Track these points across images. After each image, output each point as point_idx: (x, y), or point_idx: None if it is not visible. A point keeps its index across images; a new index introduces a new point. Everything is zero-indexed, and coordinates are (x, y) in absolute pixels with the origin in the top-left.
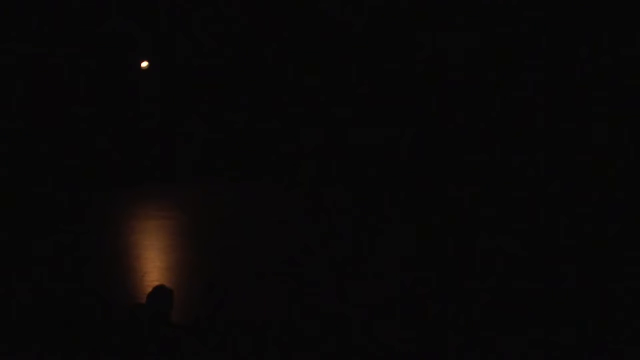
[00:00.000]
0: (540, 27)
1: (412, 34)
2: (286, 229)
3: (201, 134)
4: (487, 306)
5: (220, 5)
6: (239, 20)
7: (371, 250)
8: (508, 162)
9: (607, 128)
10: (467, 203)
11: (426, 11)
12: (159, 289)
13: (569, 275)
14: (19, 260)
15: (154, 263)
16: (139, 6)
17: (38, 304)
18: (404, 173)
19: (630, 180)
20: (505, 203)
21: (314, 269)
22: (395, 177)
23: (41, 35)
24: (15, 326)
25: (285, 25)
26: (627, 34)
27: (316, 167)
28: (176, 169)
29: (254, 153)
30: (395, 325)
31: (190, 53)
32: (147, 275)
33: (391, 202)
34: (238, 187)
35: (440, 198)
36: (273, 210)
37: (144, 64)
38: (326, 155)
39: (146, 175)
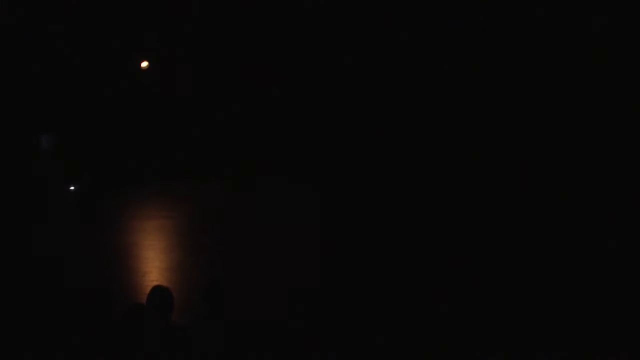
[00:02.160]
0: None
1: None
2: (286, 228)
3: (201, 134)
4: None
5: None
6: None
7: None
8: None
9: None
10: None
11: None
12: (158, 288)
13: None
14: (18, 260)
15: (154, 263)
16: (139, 6)
17: (38, 303)
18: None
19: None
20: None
21: (314, 268)
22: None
23: (40, 34)
24: (15, 326)
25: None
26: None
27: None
28: (176, 169)
29: (254, 153)
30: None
31: (190, 53)
32: (147, 275)
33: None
34: (238, 187)
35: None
36: (273, 210)
37: (144, 64)
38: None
39: (146, 175)
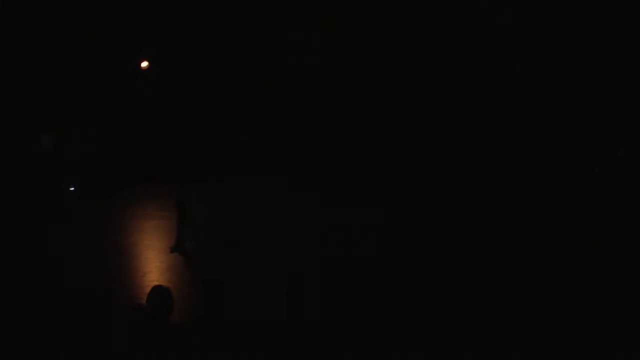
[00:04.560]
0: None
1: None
2: (287, 228)
3: (201, 134)
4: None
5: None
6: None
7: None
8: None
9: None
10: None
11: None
12: (157, 288)
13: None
14: (19, 260)
15: (154, 263)
16: (140, 7)
17: (38, 303)
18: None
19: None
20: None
21: (314, 267)
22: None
23: (41, 35)
24: (15, 326)
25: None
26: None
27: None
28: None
29: (255, 152)
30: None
31: (189, 54)
32: (147, 275)
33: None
34: (238, 187)
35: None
36: (273, 210)
37: (144, 64)
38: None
39: (146, 175)
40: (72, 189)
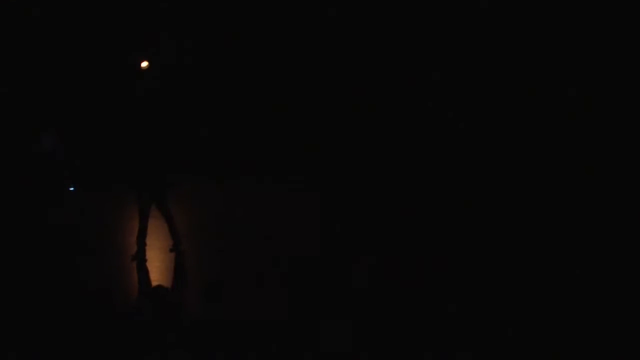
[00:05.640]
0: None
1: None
2: (286, 228)
3: (200, 134)
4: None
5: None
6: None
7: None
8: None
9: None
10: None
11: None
12: (157, 289)
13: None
14: (19, 260)
15: (154, 263)
16: (139, 7)
17: (38, 303)
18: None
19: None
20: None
21: (313, 268)
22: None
23: (42, 35)
24: (16, 325)
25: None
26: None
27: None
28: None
29: (254, 152)
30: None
31: (189, 54)
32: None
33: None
34: (238, 187)
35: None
36: (273, 210)
37: (144, 64)
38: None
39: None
40: (72, 188)
